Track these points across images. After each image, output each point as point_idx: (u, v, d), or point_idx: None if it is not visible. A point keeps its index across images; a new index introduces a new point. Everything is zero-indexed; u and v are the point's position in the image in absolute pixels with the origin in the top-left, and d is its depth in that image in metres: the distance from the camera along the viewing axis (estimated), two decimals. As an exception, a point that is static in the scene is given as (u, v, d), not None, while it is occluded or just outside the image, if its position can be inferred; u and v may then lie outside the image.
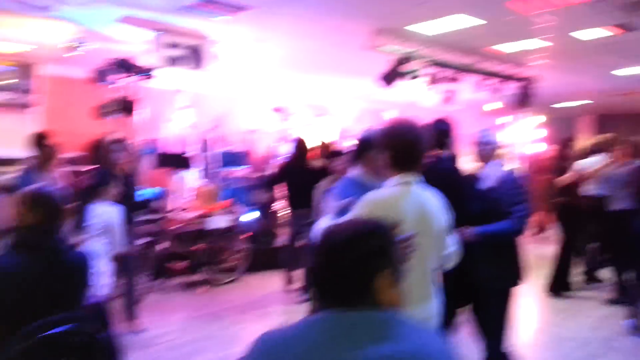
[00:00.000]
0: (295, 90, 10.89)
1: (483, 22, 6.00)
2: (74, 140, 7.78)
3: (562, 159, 8.31)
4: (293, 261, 6.19)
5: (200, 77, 6.72)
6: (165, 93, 8.88)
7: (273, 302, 6.02)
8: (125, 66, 5.78)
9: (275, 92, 10.86)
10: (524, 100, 8.79)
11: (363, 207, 2.11)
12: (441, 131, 3.30)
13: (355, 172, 2.70)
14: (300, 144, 6.48)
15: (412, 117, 2.32)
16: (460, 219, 2.63)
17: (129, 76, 5.93)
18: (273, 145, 10.10)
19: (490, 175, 3.16)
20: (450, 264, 2.41)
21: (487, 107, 10.67)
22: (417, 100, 9.62)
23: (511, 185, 3.13)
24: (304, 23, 5.94)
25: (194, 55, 6.40)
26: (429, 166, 2.94)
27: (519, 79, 8.58)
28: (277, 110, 10.09)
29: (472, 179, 3.26)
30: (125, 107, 5.92)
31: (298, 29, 6.21)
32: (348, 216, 2.08)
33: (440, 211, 2.26)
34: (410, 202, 2.14)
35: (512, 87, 8.71)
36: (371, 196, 2.17)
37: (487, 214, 3.03)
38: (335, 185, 2.96)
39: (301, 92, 11.03)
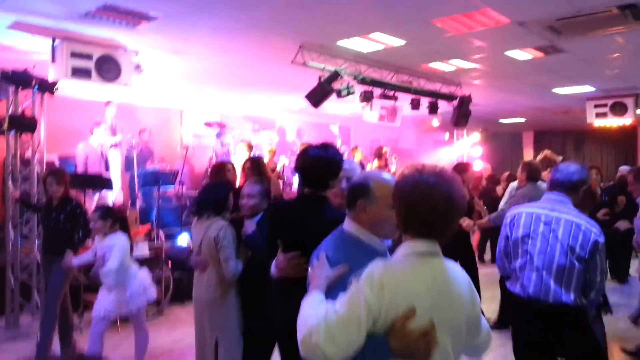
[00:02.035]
0: (232, 104, 10.50)
1: (402, 41, 5.86)
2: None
3: (493, 182, 8.21)
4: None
5: (127, 89, 6.21)
6: (85, 104, 8.31)
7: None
8: (19, 78, 5.21)
9: (212, 106, 10.45)
10: (460, 118, 8.73)
11: (364, 288, 1.52)
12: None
13: (349, 224, 1.91)
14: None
15: (445, 168, 1.68)
16: None
17: (25, 89, 5.36)
18: (209, 161, 9.67)
19: None
20: (481, 356, 1.85)
21: (434, 124, 10.64)
22: (359, 115, 9.49)
23: None
24: (224, 36, 5.59)
25: (109, 66, 5.90)
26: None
27: (455, 98, 8.51)
28: (209, 124, 9.63)
29: None
30: (23, 123, 5.34)
31: (218, 42, 5.84)
32: (344, 298, 1.54)
33: (469, 293, 1.68)
34: (427, 281, 1.57)
35: (448, 105, 8.65)
36: (376, 270, 1.55)
37: None
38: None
39: (238, 105, 10.64)
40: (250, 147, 7.97)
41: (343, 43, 5.95)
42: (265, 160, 7.82)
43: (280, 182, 8.12)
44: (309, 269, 1.80)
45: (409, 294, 1.52)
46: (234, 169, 4.68)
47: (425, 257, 1.60)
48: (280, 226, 2.47)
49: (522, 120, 13.17)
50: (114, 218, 4.00)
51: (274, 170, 7.85)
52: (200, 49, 6.12)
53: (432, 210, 1.56)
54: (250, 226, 3.14)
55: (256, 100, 10.16)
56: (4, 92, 5.25)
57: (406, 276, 1.55)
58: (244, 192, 3.24)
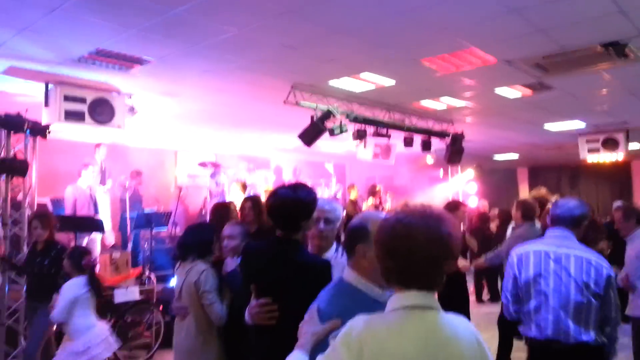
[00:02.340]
0: (226, 144, 10.55)
1: (392, 81, 5.94)
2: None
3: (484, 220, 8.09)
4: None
5: (121, 131, 6.25)
6: (78, 146, 8.33)
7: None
8: (11, 122, 5.23)
9: (206, 146, 10.50)
10: (453, 154, 8.77)
11: (341, 349, 1.33)
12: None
13: (348, 273, 1.73)
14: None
15: (432, 206, 1.49)
16: None
17: (17, 133, 5.37)
18: (205, 201, 9.63)
19: None
20: None
21: (428, 161, 10.70)
22: (354, 153, 9.52)
23: None
24: (216, 77, 5.66)
25: (102, 109, 5.95)
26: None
27: (447, 135, 8.57)
28: (203, 164, 9.64)
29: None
30: (14, 167, 5.31)
31: (210, 83, 5.91)
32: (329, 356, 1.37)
33: (476, 354, 1.38)
34: (417, 342, 1.31)
35: (441, 142, 8.71)
36: (356, 329, 1.34)
37: None
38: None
39: (232, 145, 10.70)
40: (244, 187, 7.97)
41: (334, 83, 6.03)
42: (262, 199, 7.79)
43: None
44: (300, 323, 1.64)
45: (393, 358, 1.29)
46: (236, 209, 4.65)
47: (415, 312, 1.35)
48: (251, 269, 2.37)
49: (516, 156, 13.25)
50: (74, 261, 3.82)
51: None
52: (193, 90, 6.19)
53: (410, 253, 1.35)
54: (231, 264, 3.07)
55: (250, 139, 10.22)
56: (-6, 136, 5.25)
57: (391, 336, 1.31)
58: (224, 234, 3.18)
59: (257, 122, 8.41)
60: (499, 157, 13.23)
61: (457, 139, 8.57)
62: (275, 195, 2.33)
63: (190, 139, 9.93)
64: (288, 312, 2.08)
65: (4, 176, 5.36)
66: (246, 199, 4.60)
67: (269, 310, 2.13)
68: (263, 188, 8.54)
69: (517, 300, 2.96)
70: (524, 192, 14.79)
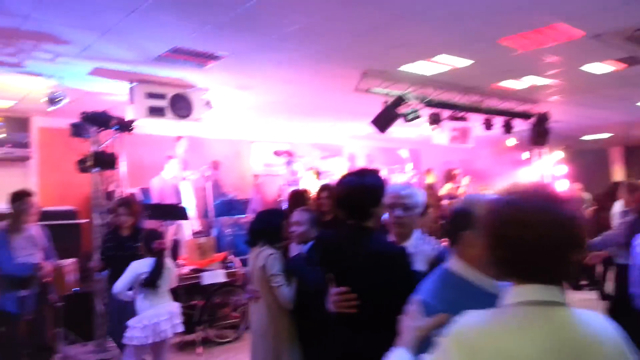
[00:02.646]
0: (300, 133, 10.66)
1: (469, 62, 5.65)
2: (65, 193, 7.71)
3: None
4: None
5: (200, 124, 6.53)
6: (160, 139, 8.78)
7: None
8: (99, 119, 5.59)
9: (281, 135, 10.67)
10: (539, 136, 8.25)
11: (451, 351, 1.18)
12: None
13: (453, 262, 1.57)
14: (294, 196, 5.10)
15: (549, 186, 1.32)
16: None
17: (106, 129, 5.73)
18: (280, 189, 9.82)
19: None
20: None
21: (510, 143, 10.18)
22: (429, 138, 9.25)
23: None
24: (287, 69, 5.69)
25: (181, 104, 6.21)
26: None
27: (531, 116, 8.07)
28: (278, 153, 9.80)
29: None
30: (104, 160, 5.69)
31: (282, 75, 5.96)
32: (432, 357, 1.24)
33: (618, 356, 1.17)
34: (542, 344, 1.12)
35: (525, 124, 8.23)
36: (467, 327, 1.19)
37: None
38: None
39: (306, 133, 10.78)
40: (318, 174, 8.02)
41: (406, 67, 5.85)
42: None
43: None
44: (402, 317, 1.47)
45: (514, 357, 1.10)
46: (310, 196, 4.71)
47: (538, 309, 1.14)
48: (326, 258, 2.33)
49: (608, 135, 12.23)
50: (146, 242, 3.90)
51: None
52: (265, 82, 6.28)
53: (525, 241, 1.15)
54: (295, 250, 3.11)
55: (323, 127, 10.24)
56: (87, 132, 5.63)
57: (509, 335, 1.12)
58: (292, 220, 3.19)
59: (329, 111, 8.39)
60: (588, 137, 12.28)
61: (542, 120, 8.05)
62: (341, 183, 2.25)
63: (264, 129, 10.13)
64: (365, 300, 2.03)
65: (96, 169, 5.75)
66: (322, 188, 4.56)
67: (347, 299, 2.07)
68: (336, 175, 8.52)
69: None
70: (619, 174, 13.66)
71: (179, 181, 7.98)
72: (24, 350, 4.08)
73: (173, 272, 4.09)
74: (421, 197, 2.34)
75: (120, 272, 4.19)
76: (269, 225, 3.28)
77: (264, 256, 3.14)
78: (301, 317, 3.05)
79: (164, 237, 4.21)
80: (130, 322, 3.75)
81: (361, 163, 11.94)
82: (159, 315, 3.78)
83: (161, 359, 3.95)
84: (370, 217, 2.15)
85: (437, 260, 1.91)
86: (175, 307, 3.98)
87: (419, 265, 2.09)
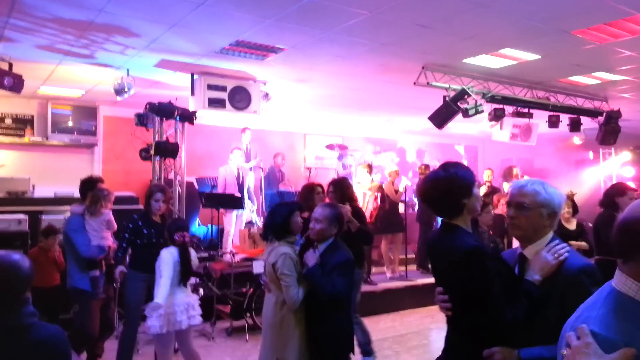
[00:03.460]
0: (354, 127, 10.60)
1: (537, 56, 5.41)
2: (127, 179, 8.03)
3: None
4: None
5: (256, 116, 6.62)
6: (218, 131, 8.97)
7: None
8: (164, 110, 5.77)
9: (334, 129, 10.66)
10: (608, 135, 7.81)
11: None
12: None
13: (625, 283, 1.24)
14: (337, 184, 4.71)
15: None
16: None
17: (169, 119, 5.91)
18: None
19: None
20: None
21: (575, 141, 9.73)
22: (488, 134, 8.97)
23: None
24: (346, 62, 5.65)
25: (240, 96, 6.31)
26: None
27: (600, 113, 7.66)
28: (330, 147, 9.80)
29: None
30: (166, 150, 5.88)
31: (340, 68, 5.92)
32: None
33: None
34: None
35: (593, 122, 7.82)
36: None
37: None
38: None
39: (359, 128, 10.72)
40: (370, 169, 7.94)
41: (469, 61, 5.68)
42: (388, 181, 7.74)
43: (402, 205, 7.93)
44: (564, 348, 1.22)
45: None
46: (323, 191, 4.58)
47: None
48: (429, 257, 2.30)
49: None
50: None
51: (397, 192, 7.70)
52: (324, 76, 6.27)
53: None
54: (311, 258, 2.95)
55: (377, 122, 10.14)
56: (151, 122, 5.83)
57: None
58: (313, 216, 3.03)
59: (385, 105, 8.29)
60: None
61: (613, 117, 7.61)
62: (426, 179, 2.12)
63: (318, 123, 10.15)
64: (455, 302, 1.96)
65: (158, 157, 5.95)
66: (330, 182, 4.60)
67: (443, 300, 2.00)
68: (389, 170, 8.40)
69: None
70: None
71: (245, 171, 8.13)
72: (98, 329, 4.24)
73: (195, 263, 3.98)
74: (551, 196, 1.93)
75: (142, 257, 4.04)
76: (274, 221, 3.14)
77: (277, 253, 3.02)
78: (313, 316, 3.01)
79: (188, 229, 4.07)
80: (147, 311, 3.68)
81: (412, 158, 11.76)
82: (175, 305, 3.70)
83: (186, 347, 3.90)
84: (459, 212, 1.99)
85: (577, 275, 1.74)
86: (194, 299, 3.90)
87: (534, 274, 1.84)
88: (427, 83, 6.03)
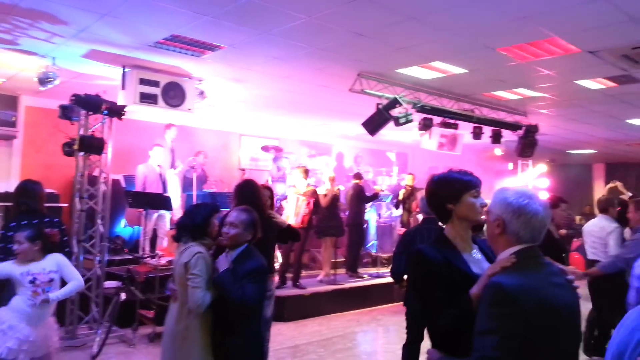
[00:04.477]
0: (290, 129, 10.64)
1: (465, 70, 5.72)
2: (48, 175, 7.56)
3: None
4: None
5: (186, 113, 6.45)
6: (148, 126, 8.67)
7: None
8: (90, 103, 5.50)
9: (270, 130, 10.63)
10: (526, 148, 8.36)
11: None
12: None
13: None
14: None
15: None
16: None
17: (96, 113, 5.64)
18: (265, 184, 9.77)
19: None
20: None
21: (497, 153, 10.28)
22: (418, 142, 9.31)
23: None
24: (283, 64, 5.67)
25: (175, 92, 6.14)
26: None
27: (520, 127, 8.18)
28: (266, 149, 9.77)
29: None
30: (92, 145, 5.61)
31: (278, 70, 5.94)
32: None
33: None
34: None
35: (513, 135, 8.33)
36: None
37: None
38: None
39: (295, 130, 10.76)
40: (306, 173, 8.00)
41: (402, 71, 5.89)
42: (326, 187, 7.84)
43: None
44: None
45: None
46: (272, 192, 4.50)
47: None
48: None
49: (592, 151, 12.45)
50: (44, 242, 3.44)
51: (336, 196, 7.83)
52: (261, 76, 6.25)
53: None
54: (223, 263, 2.84)
55: (313, 125, 10.23)
56: (76, 115, 5.54)
57: None
58: (227, 220, 2.92)
59: (322, 109, 8.39)
60: (573, 151, 12.49)
61: (531, 131, 8.16)
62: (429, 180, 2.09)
63: (254, 123, 10.08)
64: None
65: (82, 153, 5.66)
66: (263, 187, 4.30)
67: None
68: (328, 176, 8.50)
69: None
70: (599, 189, 13.93)
71: (165, 170, 7.89)
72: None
73: None
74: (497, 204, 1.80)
75: None
76: (192, 221, 2.99)
77: (190, 253, 2.86)
78: (220, 326, 2.85)
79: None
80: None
81: (349, 163, 11.98)
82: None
83: None
84: (447, 217, 1.98)
85: None
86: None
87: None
88: (362, 90, 6.19)
